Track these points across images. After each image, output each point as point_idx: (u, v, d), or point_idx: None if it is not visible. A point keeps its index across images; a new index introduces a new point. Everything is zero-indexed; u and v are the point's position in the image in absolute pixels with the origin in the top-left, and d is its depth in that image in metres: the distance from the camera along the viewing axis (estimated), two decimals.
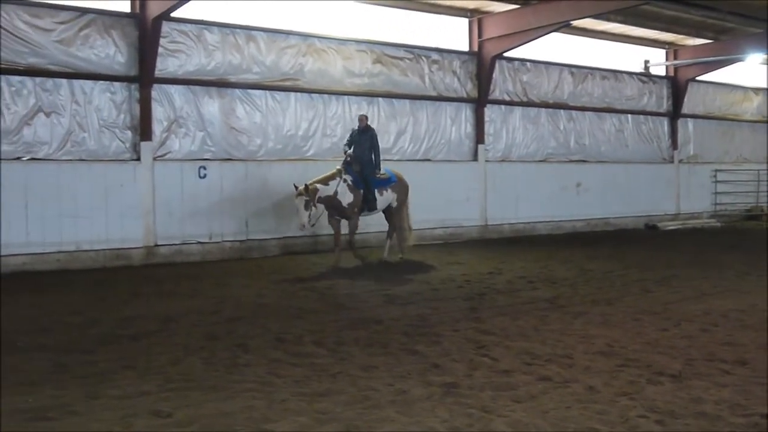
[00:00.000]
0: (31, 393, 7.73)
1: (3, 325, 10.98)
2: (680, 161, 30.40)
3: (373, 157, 17.53)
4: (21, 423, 6.90)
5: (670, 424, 6.94)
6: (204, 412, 7.21)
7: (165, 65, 18.11)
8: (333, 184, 16.98)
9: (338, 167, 17.31)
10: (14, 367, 8.76)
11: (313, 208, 16.56)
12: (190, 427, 6.83)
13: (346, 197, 17.09)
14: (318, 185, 16.72)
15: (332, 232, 17.75)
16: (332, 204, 17.02)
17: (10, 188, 16.20)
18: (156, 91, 18.02)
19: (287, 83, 20.02)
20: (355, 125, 18.09)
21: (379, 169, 17.73)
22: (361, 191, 17.30)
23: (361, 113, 18.56)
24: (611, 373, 8.57)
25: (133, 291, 14.09)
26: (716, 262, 18.44)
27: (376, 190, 17.53)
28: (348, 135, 18.04)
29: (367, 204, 17.46)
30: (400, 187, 18.23)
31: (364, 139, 17.43)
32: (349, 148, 17.32)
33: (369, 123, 17.65)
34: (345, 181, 17.09)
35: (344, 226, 17.53)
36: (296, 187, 16.44)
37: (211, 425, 6.87)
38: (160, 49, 17.80)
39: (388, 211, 18.39)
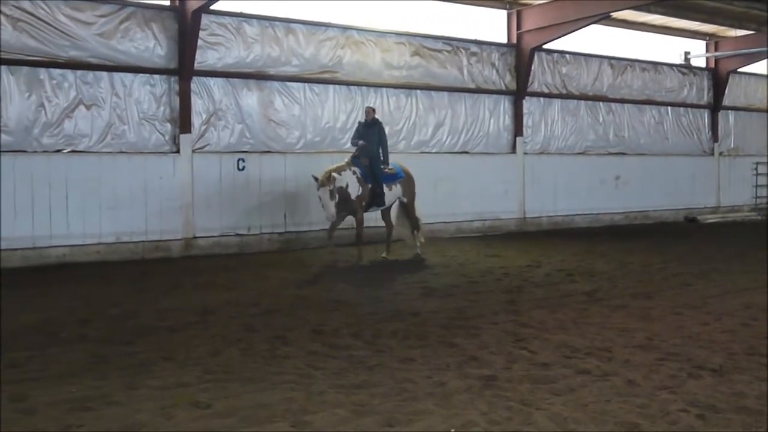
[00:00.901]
0: (72, 384, 7.79)
1: (47, 315, 11.12)
2: (721, 154, 30.12)
3: (380, 151, 17.07)
4: (63, 413, 6.97)
5: (711, 418, 6.89)
6: (243, 403, 7.24)
7: (204, 58, 18.18)
8: (345, 175, 16.44)
9: (347, 160, 16.92)
10: (57, 358, 8.84)
11: (336, 196, 16.09)
12: (230, 419, 6.86)
13: (355, 190, 16.59)
14: (334, 174, 16.18)
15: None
16: (343, 196, 16.33)
17: (51, 180, 16.34)
18: (195, 83, 18.11)
19: (326, 75, 20.04)
20: (362, 117, 18.00)
21: (387, 164, 17.22)
22: (369, 185, 16.81)
23: (368, 105, 18.04)
24: (651, 366, 8.51)
25: (172, 283, 14.17)
26: (756, 256, 18.24)
27: (384, 185, 17.05)
28: (354, 128, 17.78)
29: (375, 199, 16.94)
30: (408, 182, 17.76)
31: (371, 132, 16.95)
32: (353, 143, 17.11)
33: (376, 116, 17.47)
34: (354, 173, 16.67)
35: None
36: (316, 178, 16.02)
37: (250, 417, 6.90)
38: (199, 42, 17.87)
39: (393, 209, 17.96)
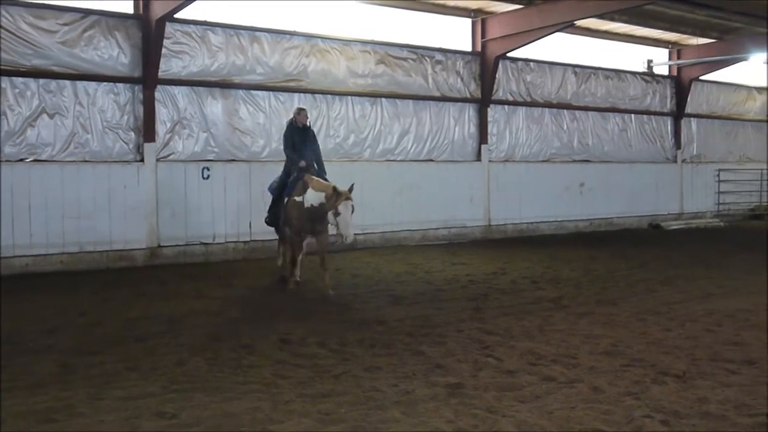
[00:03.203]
0: (39, 395, 7.74)
1: (11, 326, 11.00)
2: (684, 161, 30.36)
3: (315, 165, 14.80)
4: (30, 424, 6.92)
5: (675, 424, 6.95)
6: (209, 413, 7.22)
7: (169, 66, 18.11)
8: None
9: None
10: (24, 368, 8.78)
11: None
12: (195, 429, 6.84)
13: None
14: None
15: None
16: (318, 214, 13.67)
17: (14, 190, 16.20)
18: (159, 92, 18.03)
19: (291, 84, 20.02)
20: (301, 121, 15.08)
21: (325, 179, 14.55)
22: None
23: (300, 106, 16.16)
24: (616, 373, 8.58)
25: (137, 292, 14.08)
26: (720, 261, 18.43)
27: None
28: (285, 132, 15.03)
29: None
30: None
31: (307, 139, 14.84)
32: (294, 152, 14.54)
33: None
34: None
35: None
36: (337, 191, 13.18)
37: (216, 426, 6.88)
38: (163, 50, 17.79)
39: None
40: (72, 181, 16.82)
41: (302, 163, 14.35)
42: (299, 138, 14.77)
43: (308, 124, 15.27)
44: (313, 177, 14.07)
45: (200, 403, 7.52)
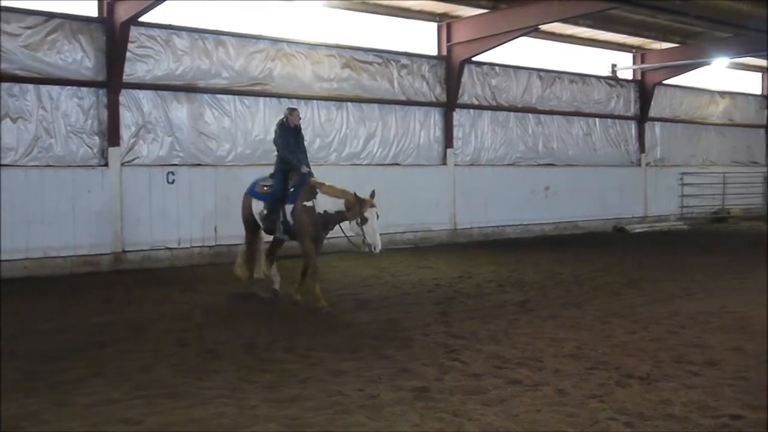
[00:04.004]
0: (3, 402, 7.65)
1: None
2: (648, 164, 30.56)
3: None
4: None
5: (639, 426, 7.00)
6: (174, 419, 7.19)
7: (133, 70, 18.01)
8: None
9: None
10: None
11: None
12: None
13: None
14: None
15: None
16: (331, 221, 13.28)
17: None
18: (124, 96, 17.92)
19: (256, 88, 19.97)
20: (288, 122, 14.22)
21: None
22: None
23: (292, 106, 15.56)
24: (581, 375, 8.62)
25: (102, 298, 13.99)
26: (684, 264, 18.57)
27: None
28: (278, 132, 14.03)
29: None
30: None
31: (299, 140, 14.25)
32: (292, 155, 13.75)
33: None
34: None
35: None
36: (360, 197, 12.58)
37: None
38: (128, 54, 17.71)
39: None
40: (35, 186, 16.68)
41: (305, 169, 13.62)
42: (294, 139, 14.04)
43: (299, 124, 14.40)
44: (321, 181, 13.50)
45: (165, 408, 7.48)
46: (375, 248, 12.46)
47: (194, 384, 8.33)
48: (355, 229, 12.71)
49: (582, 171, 27.82)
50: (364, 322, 11.73)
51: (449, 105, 23.86)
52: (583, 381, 8.41)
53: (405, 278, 16.32)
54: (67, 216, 17.07)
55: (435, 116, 23.82)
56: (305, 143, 14.56)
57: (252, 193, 14.41)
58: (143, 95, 18.25)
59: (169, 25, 18.58)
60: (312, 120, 20.89)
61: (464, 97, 24.43)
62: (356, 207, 12.50)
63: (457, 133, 24.30)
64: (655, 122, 30.96)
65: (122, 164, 17.82)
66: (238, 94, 19.68)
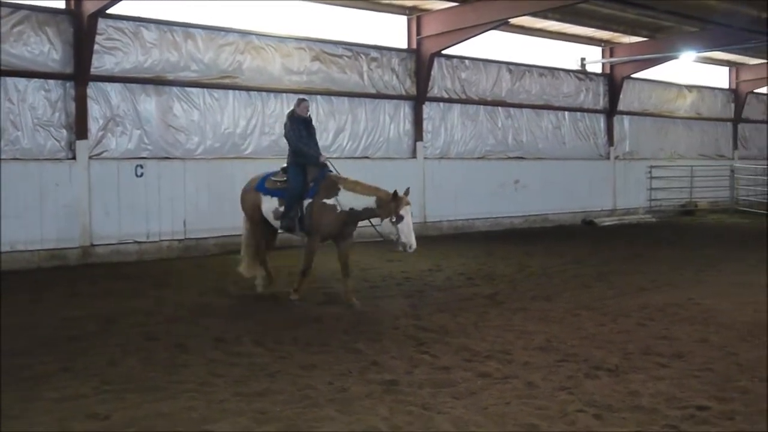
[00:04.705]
0: None
1: None
2: (616, 158, 30.71)
3: None
4: None
5: (607, 418, 7.06)
6: (142, 413, 7.17)
7: (101, 63, 17.87)
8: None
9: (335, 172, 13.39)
10: None
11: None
12: (128, 429, 6.78)
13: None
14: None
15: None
16: (357, 219, 13.04)
17: None
18: (92, 88, 17.77)
19: (225, 81, 19.87)
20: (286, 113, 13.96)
21: None
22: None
23: (302, 97, 14.98)
24: (550, 368, 8.68)
25: (70, 292, 13.90)
26: (652, 257, 18.71)
27: None
28: (289, 123, 13.44)
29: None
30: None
31: (312, 133, 13.67)
32: (307, 147, 13.21)
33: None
34: None
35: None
36: (397, 196, 12.17)
37: (150, 427, 6.84)
38: (96, 47, 17.55)
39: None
40: (2, 179, 16.51)
41: (324, 161, 13.12)
42: (306, 131, 13.40)
43: (309, 115, 13.77)
44: (344, 177, 13.03)
45: (133, 403, 7.46)
46: (410, 247, 12.12)
47: (163, 378, 8.31)
48: (388, 228, 12.29)
49: (551, 164, 27.90)
50: (334, 316, 11.73)
51: (419, 98, 23.85)
52: (553, 373, 8.46)
53: (374, 272, 16.32)
54: (35, 210, 16.91)
55: (405, 109, 23.81)
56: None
57: (261, 188, 13.67)
58: (111, 88, 18.10)
59: (138, 17, 18.43)
60: (281, 113, 20.72)
61: (434, 91, 24.43)
62: (390, 205, 12.11)
63: (426, 126, 24.30)
64: (624, 116, 31.08)
65: (90, 157, 17.68)
66: (207, 87, 19.56)
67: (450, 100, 25.03)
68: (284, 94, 20.90)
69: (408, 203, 12.16)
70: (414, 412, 7.19)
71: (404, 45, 23.78)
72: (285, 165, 13.54)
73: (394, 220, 12.06)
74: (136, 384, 8.09)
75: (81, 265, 17.19)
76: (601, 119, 30.21)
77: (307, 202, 12.91)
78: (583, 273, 16.15)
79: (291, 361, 9.02)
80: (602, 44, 29.76)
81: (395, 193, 12.12)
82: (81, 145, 17.52)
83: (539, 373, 8.45)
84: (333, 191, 12.75)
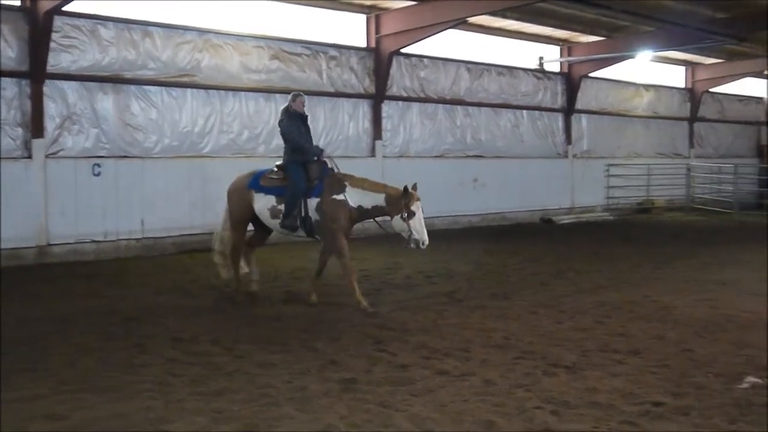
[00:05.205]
0: None
1: None
2: (574, 156, 30.91)
3: None
4: None
5: (565, 414, 7.11)
6: (99, 413, 7.13)
7: (58, 60, 17.72)
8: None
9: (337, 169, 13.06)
10: None
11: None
12: (86, 430, 6.74)
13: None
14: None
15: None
16: (365, 216, 12.95)
17: None
18: (48, 86, 17.62)
19: (183, 79, 19.77)
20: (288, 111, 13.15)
21: None
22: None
23: (297, 91, 13.73)
24: (508, 365, 8.72)
25: (27, 292, 13.76)
26: (610, 254, 18.85)
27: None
28: (286, 118, 12.95)
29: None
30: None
31: (308, 129, 13.27)
32: (307, 143, 12.88)
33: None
34: None
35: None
36: (409, 190, 12.16)
37: (107, 427, 6.81)
38: (52, 44, 17.41)
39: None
40: None
41: (325, 158, 12.84)
42: (304, 127, 13.03)
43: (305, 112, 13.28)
44: (349, 174, 12.82)
45: (91, 403, 7.42)
46: (423, 243, 12.05)
47: (121, 378, 8.27)
48: (399, 225, 12.18)
49: (510, 163, 28.01)
50: (293, 315, 11.73)
51: (378, 97, 23.88)
52: (510, 371, 8.51)
53: (333, 270, 16.22)
54: None
55: (364, 108, 23.82)
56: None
57: (255, 186, 13.00)
58: (68, 86, 17.95)
59: (95, 15, 18.30)
60: (240, 112, 20.77)
61: (393, 89, 24.47)
62: (400, 202, 12.00)
63: (385, 125, 24.34)
64: (582, 114, 31.29)
65: (47, 156, 17.54)
66: (165, 86, 19.45)
67: (409, 99, 25.08)
68: (243, 93, 20.87)
69: (418, 198, 12.08)
70: (372, 410, 7.21)
71: (363, 44, 23.80)
72: (279, 163, 13.13)
73: (405, 216, 11.98)
74: (94, 384, 8.03)
75: (37, 265, 17.04)
76: (559, 118, 30.39)
77: (314, 201, 12.49)
78: (541, 271, 16.25)
79: (249, 360, 9.00)
80: (560, 43, 29.94)
81: (405, 189, 12.02)
82: (37, 144, 17.37)
83: (497, 371, 8.49)
84: (340, 188, 12.48)
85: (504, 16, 25.47)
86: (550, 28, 27.87)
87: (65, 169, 17.79)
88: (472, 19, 23.84)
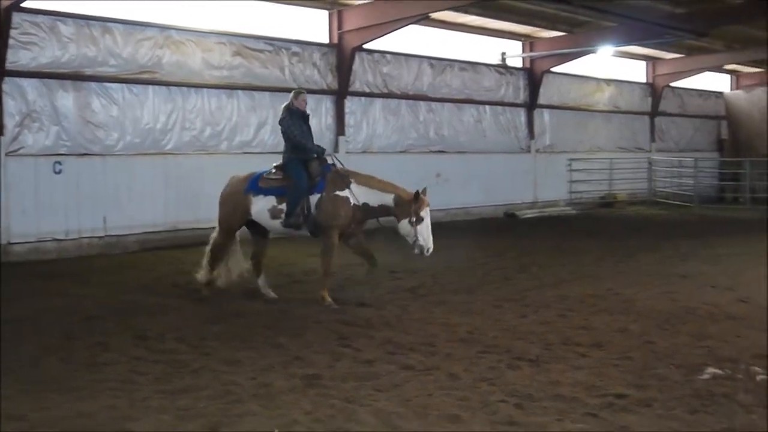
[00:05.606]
0: None
1: None
2: (537, 151, 31.03)
3: None
4: None
5: (528, 407, 7.17)
6: (62, 413, 7.08)
7: (17, 57, 17.53)
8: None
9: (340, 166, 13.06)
10: None
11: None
12: (49, 430, 6.69)
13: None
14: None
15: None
16: (371, 215, 12.95)
17: None
18: (7, 84, 17.43)
19: (145, 76, 19.62)
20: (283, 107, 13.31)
21: None
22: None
23: (299, 89, 14.01)
24: (472, 359, 8.77)
25: None
26: (573, 248, 18.96)
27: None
28: (287, 123, 12.89)
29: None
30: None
31: (309, 127, 13.16)
32: (309, 141, 12.77)
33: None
34: None
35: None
36: (420, 195, 12.01)
37: (71, 426, 6.77)
38: (10, 41, 17.23)
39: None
40: None
41: (328, 155, 12.77)
42: (306, 125, 12.91)
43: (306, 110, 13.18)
44: (354, 171, 12.76)
45: (54, 403, 7.36)
46: (428, 250, 11.91)
47: (84, 377, 8.22)
48: (405, 229, 12.01)
49: (473, 158, 28.06)
50: (257, 311, 11.70)
51: (341, 93, 23.85)
52: (474, 365, 8.56)
53: (297, 267, 16.30)
54: None
55: (326, 104, 23.78)
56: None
57: (254, 189, 12.76)
58: (27, 83, 17.77)
59: (54, 11, 18.14)
60: (202, 109, 20.66)
61: (356, 85, 24.45)
62: (410, 206, 11.86)
63: (348, 120, 24.30)
64: (544, 109, 31.39)
65: (6, 154, 17.35)
66: (126, 83, 19.30)
67: (372, 95, 25.06)
68: (205, 89, 20.76)
69: (428, 204, 11.90)
70: (337, 405, 7.22)
71: (326, 40, 23.74)
72: (277, 163, 12.99)
73: (413, 221, 11.81)
74: (57, 384, 7.98)
75: None
76: (522, 113, 30.47)
77: (315, 197, 12.32)
78: (504, 265, 16.32)
79: (214, 357, 8.99)
80: (522, 39, 30.02)
81: (417, 193, 11.85)
82: None
83: (461, 365, 8.53)
84: (344, 184, 12.35)
85: (466, 12, 25.54)
86: (513, 24, 27.96)
87: (26, 167, 17.62)
88: (434, 15, 23.88)
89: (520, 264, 16.44)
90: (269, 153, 21.47)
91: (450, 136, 27.55)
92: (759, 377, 8.03)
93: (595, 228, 24.29)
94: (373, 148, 25.13)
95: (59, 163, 18.06)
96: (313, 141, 12.86)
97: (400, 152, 25.89)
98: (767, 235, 19.29)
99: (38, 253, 17.69)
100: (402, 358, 8.85)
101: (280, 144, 21.90)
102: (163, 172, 19.40)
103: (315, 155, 12.56)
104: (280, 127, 13.00)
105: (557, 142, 31.99)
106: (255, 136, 21.89)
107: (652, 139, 37.04)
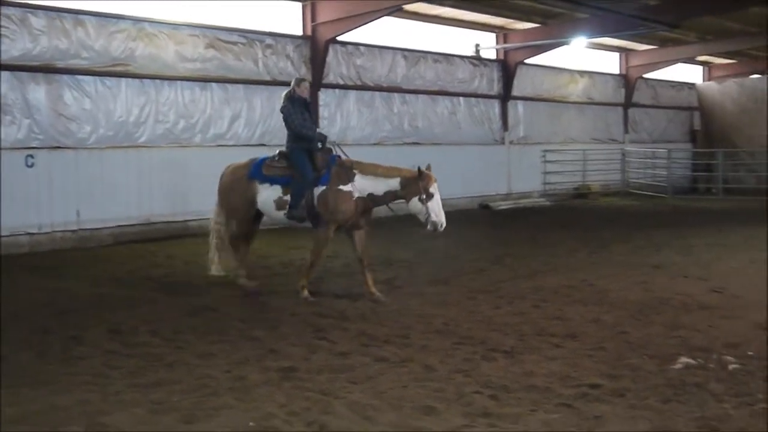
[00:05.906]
0: None
1: None
2: (511, 142, 31.10)
3: None
4: None
5: (503, 398, 7.21)
6: (35, 408, 7.04)
7: None
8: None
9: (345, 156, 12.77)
10: None
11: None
12: (21, 425, 6.66)
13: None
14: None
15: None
16: (376, 204, 12.56)
17: None
18: None
19: (118, 68, 19.50)
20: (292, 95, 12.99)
21: None
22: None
23: (301, 77, 14.12)
24: (447, 351, 8.80)
25: None
26: (547, 240, 19.03)
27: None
28: (288, 111, 12.70)
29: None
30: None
31: (311, 115, 13.16)
32: (312, 130, 12.61)
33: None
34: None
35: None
36: (424, 173, 11.79)
37: (43, 421, 6.73)
38: None
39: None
40: None
41: (332, 145, 12.52)
42: (308, 114, 12.71)
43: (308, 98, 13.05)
44: (358, 161, 12.44)
45: (27, 398, 7.33)
46: (441, 225, 11.69)
47: (57, 371, 8.19)
48: (416, 207, 11.76)
49: (447, 149, 28.04)
50: (232, 304, 11.69)
51: (314, 85, 23.78)
52: (449, 356, 8.58)
53: (274, 259, 16.27)
54: None
55: None
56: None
57: (257, 175, 12.66)
58: None
59: (25, 3, 17.99)
60: (175, 101, 20.57)
61: (329, 77, 24.41)
62: (416, 184, 11.64)
63: (322, 113, 24.26)
64: (518, 101, 31.46)
65: None
66: (98, 75, 19.17)
67: (346, 87, 25.03)
68: (178, 82, 20.66)
69: (435, 179, 11.72)
70: (312, 397, 7.22)
71: (299, 32, 23.69)
72: (280, 150, 12.86)
73: (423, 197, 11.61)
74: (30, 378, 7.94)
75: None
76: (496, 105, 30.54)
77: (319, 189, 12.15)
78: (479, 257, 16.35)
79: (188, 351, 8.96)
80: (496, 30, 30.06)
81: (419, 170, 11.69)
82: None
83: (436, 356, 8.56)
84: (348, 177, 12.12)
85: (440, 4, 25.56)
86: (486, 15, 28.01)
87: None
88: (408, 7, 23.89)
89: (495, 255, 16.48)
90: (243, 146, 21.56)
91: (424, 128, 27.56)
92: (731, 366, 8.10)
93: (569, 219, 24.39)
94: (348, 140, 24.99)
95: (31, 156, 17.93)
96: (314, 129, 12.69)
97: (375, 144, 25.87)
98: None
99: (11, 246, 17.54)
100: (377, 350, 8.87)
101: (255, 136, 22.08)
102: (137, 166, 19.32)
103: (318, 144, 12.37)
104: (281, 114, 12.82)
105: (531, 133, 32.07)
106: (229, 129, 21.82)
107: (626, 131, 37.21)
